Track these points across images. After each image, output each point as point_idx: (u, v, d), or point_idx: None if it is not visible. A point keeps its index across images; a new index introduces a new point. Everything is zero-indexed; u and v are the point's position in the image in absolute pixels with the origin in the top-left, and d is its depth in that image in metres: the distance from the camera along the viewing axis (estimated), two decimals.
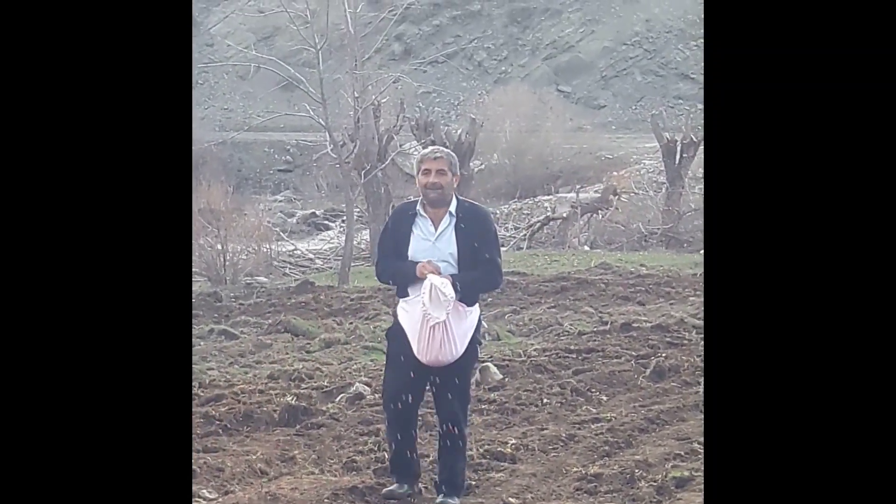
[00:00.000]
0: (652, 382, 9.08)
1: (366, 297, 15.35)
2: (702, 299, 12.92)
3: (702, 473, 5.77)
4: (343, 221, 27.77)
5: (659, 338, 11.09)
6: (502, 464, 6.79)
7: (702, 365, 8.98)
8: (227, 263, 20.29)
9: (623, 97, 52.44)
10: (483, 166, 34.59)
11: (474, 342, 6.00)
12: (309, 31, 22.07)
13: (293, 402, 8.13)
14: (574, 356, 10.22)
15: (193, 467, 6.27)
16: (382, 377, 6.40)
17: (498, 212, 29.39)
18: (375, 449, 6.99)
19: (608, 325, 12.18)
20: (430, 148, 6.21)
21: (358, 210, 24.10)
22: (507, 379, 9.30)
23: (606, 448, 7.09)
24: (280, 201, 38.53)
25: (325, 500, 5.94)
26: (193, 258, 18.81)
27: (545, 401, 8.50)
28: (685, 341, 10.90)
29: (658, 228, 26.64)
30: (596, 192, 30.55)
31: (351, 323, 13.38)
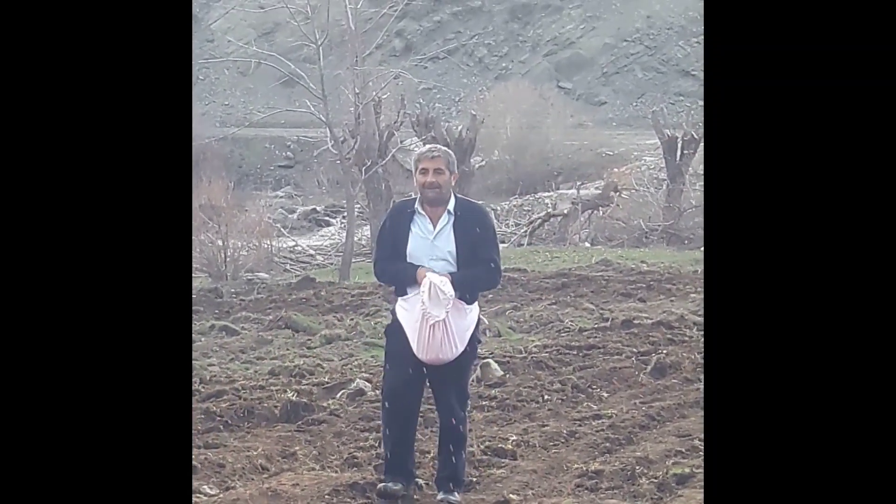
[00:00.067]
0: (653, 379, 9.08)
1: (367, 294, 15.35)
2: (702, 296, 12.92)
3: (702, 470, 5.77)
4: (344, 217, 27.79)
5: (660, 334, 11.08)
6: (503, 460, 6.79)
7: (702, 361, 8.97)
8: (228, 259, 20.31)
9: (624, 94, 52.36)
10: (484, 163, 34.59)
11: (474, 340, 5.97)
12: (310, 27, 22.09)
13: (294, 398, 8.13)
14: (575, 353, 10.22)
15: (194, 463, 6.27)
16: (382, 374, 6.39)
17: (498, 208, 29.41)
18: (376, 445, 6.98)
19: (609, 322, 12.18)
20: (428, 147, 6.13)
21: (358, 206, 24.12)
22: (507, 375, 9.29)
23: (607, 445, 7.09)
24: (281, 197, 38.52)
25: (326, 497, 5.93)
26: (194, 254, 18.82)
27: (546, 397, 8.51)
28: (686, 338, 10.89)
29: (659, 225, 26.64)
30: (597, 188, 30.60)
31: (352, 319, 13.37)
